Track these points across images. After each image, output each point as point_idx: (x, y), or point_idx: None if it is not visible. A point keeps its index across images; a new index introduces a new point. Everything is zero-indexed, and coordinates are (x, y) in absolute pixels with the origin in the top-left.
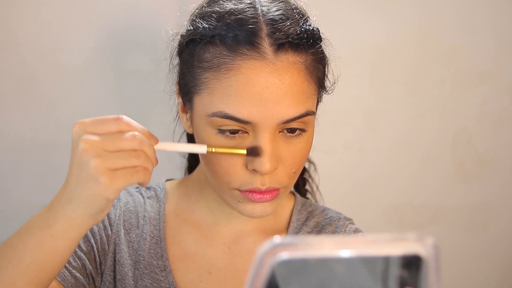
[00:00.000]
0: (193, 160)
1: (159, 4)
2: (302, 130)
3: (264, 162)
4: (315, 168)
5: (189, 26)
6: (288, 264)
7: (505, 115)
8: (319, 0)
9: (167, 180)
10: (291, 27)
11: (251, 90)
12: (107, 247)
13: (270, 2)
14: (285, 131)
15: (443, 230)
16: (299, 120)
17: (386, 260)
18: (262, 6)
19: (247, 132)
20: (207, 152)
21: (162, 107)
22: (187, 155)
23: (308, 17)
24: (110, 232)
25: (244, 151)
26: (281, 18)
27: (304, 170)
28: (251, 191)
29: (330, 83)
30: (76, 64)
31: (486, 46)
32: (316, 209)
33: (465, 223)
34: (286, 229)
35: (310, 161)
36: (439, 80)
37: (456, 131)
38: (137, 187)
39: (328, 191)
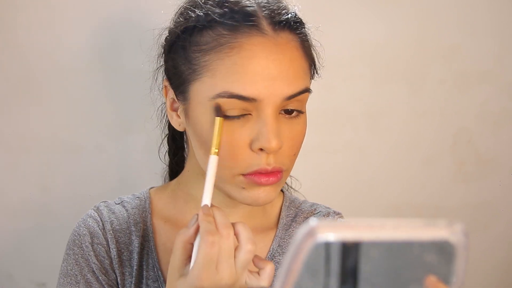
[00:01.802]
0: (175, 166)
1: (159, 4)
2: (299, 112)
3: (271, 138)
4: None
5: (179, 18)
6: (325, 247)
7: (506, 114)
8: (319, 0)
9: (151, 188)
10: (284, 9)
11: (257, 65)
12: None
13: None
14: (283, 112)
15: None
16: (298, 98)
17: (419, 246)
18: None
19: (250, 114)
20: (214, 154)
21: (162, 107)
22: (168, 161)
23: (293, 6)
24: (114, 275)
25: (220, 118)
26: (273, 2)
27: None
28: (256, 174)
29: (319, 66)
30: (75, 64)
31: (487, 45)
32: (304, 205)
33: (466, 223)
34: (276, 226)
35: None
36: (440, 79)
37: (457, 131)
38: (119, 200)
39: (328, 191)
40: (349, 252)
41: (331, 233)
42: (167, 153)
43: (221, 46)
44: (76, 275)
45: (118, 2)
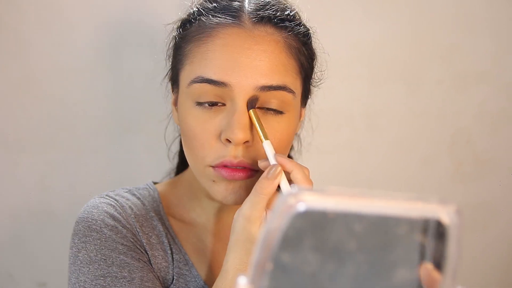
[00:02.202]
0: (183, 157)
1: (160, 4)
2: (280, 112)
3: (236, 129)
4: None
5: (184, 15)
6: (306, 216)
7: (504, 115)
8: (317, 0)
9: (154, 183)
10: (273, 8)
11: (228, 52)
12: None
13: None
14: (264, 109)
15: None
16: (276, 95)
17: (408, 224)
18: None
19: (224, 105)
20: (266, 140)
21: (162, 107)
22: (178, 152)
23: (298, 14)
24: (147, 256)
25: (252, 110)
26: (264, 0)
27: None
28: (223, 166)
29: (317, 76)
30: (76, 64)
31: (484, 46)
32: None
33: (465, 223)
34: None
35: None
36: (438, 80)
37: (455, 131)
38: (125, 189)
39: None
40: (332, 224)
41: (312, 201)
42: (176, 154)
43: (200, 35)
44: (104, 259)
45: (118, 2)
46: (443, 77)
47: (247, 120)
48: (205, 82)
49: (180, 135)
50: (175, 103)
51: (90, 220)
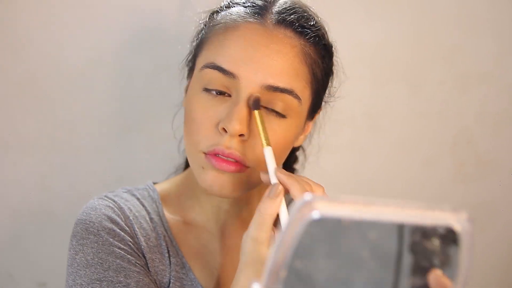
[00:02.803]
0: None
1: (160, 4)
2: (283, 116)
3: (234, 120)
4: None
5: (214, 8)
6: (320, 224)
7: (506, 115)
8: (318, 0)
9: (154, 183)
10: (298, 14)
11: (242, 45)
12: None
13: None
14: (267, 109)
15: None
16: (281, 97)
17: (420, 231)
18: None
19: (230, 96)
20: (266, 146)
21: (162, 107)
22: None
23: (323, 29)
24: (145, 260)
25: (258, 111)
26: (291, 6)
27: (295, 159)
28: (214, 154)
29: (328, 93)
30: (76, 64)
31: (486, 46)
32: None
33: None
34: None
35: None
36: (440, 80)
37: (457, 132)
38: (124, 189)
39: (327, 192)
40: (346, 231)
41: (327, 209)
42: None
43: (222, 24)
44: (101, 263)
45: (118, 2)
46: (445, 78)
47: (246, 113)
48: (216, 69)
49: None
50: (186, 89)
51: (88, 222)
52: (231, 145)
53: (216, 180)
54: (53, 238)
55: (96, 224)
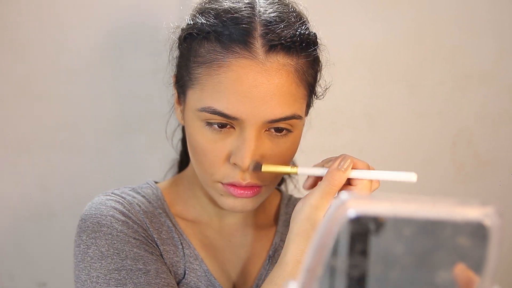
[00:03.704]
0: (185, 157)
1: (159, 4)
2: (288, 131)
3: (244, 157)
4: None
5: (190, 20)
6: (356, 222)
7: (506, 115)
8: (318, 1)
9: (155, 182)
10: (284, 30)
11: (239, 88)
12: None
13: (269, 4)
14: (272, 130)
15: None
16: (285, 122)
17: (451, 226)
18: (260, 7)
19: (233, 128)
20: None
21: (162, 107)
22: (179, 151)
23: (306, 20)
24: (159, 251)
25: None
26: (275, 20)
27: None
28: (232, 185)
29: (321, 88)
30: (76, 64)
31: (486, 47)
32: None
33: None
34: (276, 223)
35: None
36: (440, 81)
37: (456, 132)
38: (129, 187)
39: None
40: (382, 228)
41: (363, 207)
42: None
43: (212, 63)
44: (117, 253)
45: (118, 2)
46: (445, 78)
47: (254, 147)
48: (217, 114)
49: (183, 136)
50: (179, 102)
51: (99, 216)
52: (246, 177)
53: (237, 203)
54: (53, 238)
55: (108, 217)
